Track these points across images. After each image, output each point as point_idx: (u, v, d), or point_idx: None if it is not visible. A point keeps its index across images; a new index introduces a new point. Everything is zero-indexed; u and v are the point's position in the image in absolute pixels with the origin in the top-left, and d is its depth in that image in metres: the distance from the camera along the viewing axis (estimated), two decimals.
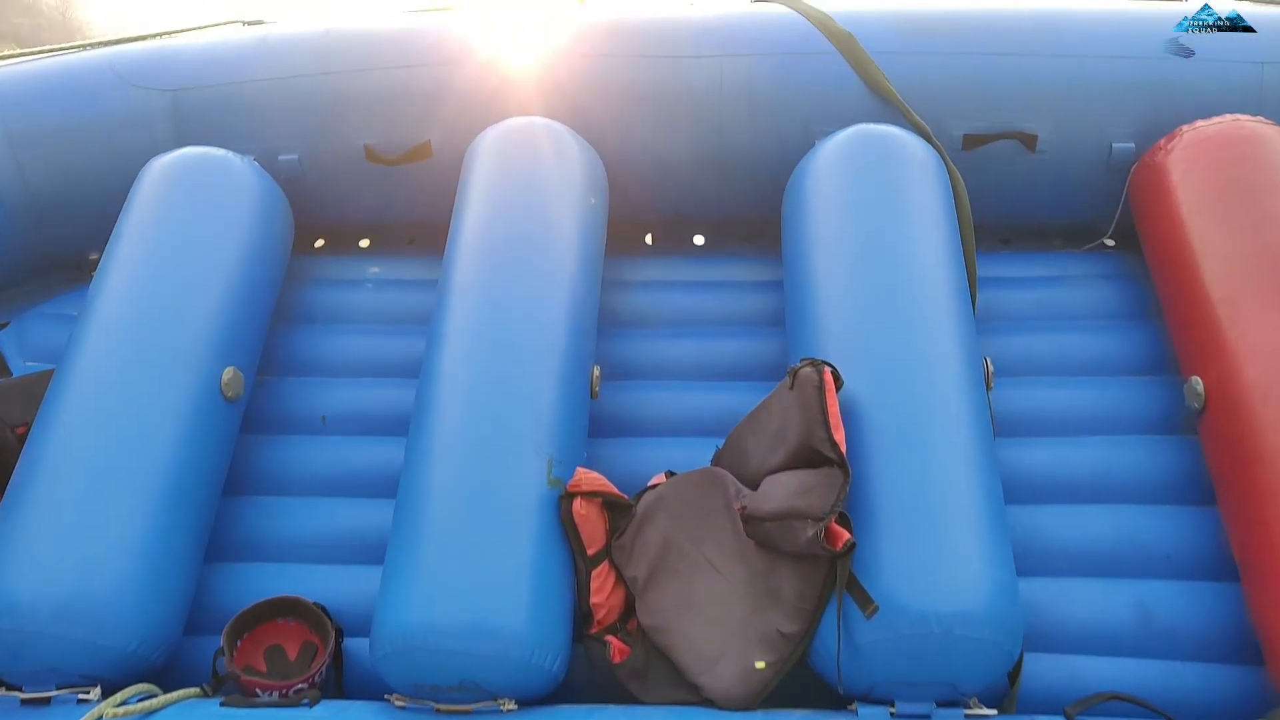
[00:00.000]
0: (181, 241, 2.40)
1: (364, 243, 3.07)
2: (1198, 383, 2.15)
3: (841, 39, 2.62)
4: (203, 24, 3.03)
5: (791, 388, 1.95)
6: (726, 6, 2.85)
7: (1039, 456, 2.29)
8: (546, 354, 2.17)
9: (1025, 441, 2.32)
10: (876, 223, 2.29)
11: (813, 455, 1.86)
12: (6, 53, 2.94)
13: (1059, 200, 2.75)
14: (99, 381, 2.16)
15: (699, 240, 3.00)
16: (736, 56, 2.65)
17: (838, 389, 1.94)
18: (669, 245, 2.98)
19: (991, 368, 2.21)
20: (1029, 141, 2.62)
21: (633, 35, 2.73)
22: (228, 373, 2.27)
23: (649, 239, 3.02)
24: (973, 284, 2.40)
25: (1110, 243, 2.83)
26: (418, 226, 2.97)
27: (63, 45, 2.94)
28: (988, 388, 2.15)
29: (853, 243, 2.28)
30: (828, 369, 1.94)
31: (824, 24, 2.65)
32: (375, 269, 2.91)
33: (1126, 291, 2.64)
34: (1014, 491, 2.15)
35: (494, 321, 2.22)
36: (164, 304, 2.29)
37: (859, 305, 2.17)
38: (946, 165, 2.48)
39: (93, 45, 2.91)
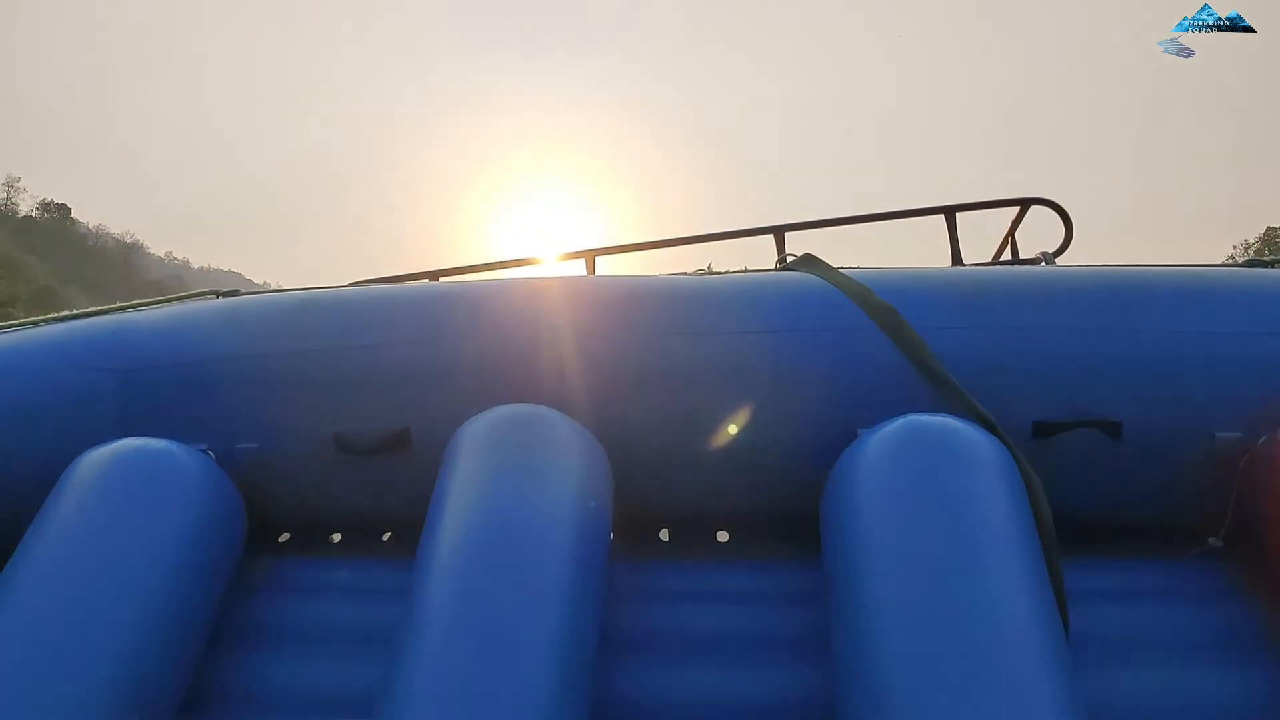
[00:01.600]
0: (96, 557, 2.01)
1: (335, 537, 2.66)
2: None
3: (883, 313, 2.27)
4: (172, 296, 2.75)
5: None
6: (749, 275, 2.55)
7: None
8: (526, 712, 1.70)
9: None
10: (940, 538, 1.87)
11: None
12: None
13: (1150, 496, 2.32)
14: None
15: (723, 538, 2.56)
16: (761, 333, 2.31)
17: None
18: (687, 543, 2.55)
19: None
20: (1112, 430, 2.21)
21: (641, 309, 2.40)
22: None
23: (664, 534, 2.58)
24: (1063, 610, 1.93)
25: (1218, 543, 2.36)
26: (399, 520, 2.57)
27: (14, 322, 2.66)
28: None
29: (912, 564, 1.85)
30: None
31: (861, 296, 2.31)
32: (343, 573, 2.48)
33: (1249, 615, 2.15)
34: None
35: (461, 662, 1.77)
36: (58, 637, 1.87)
37: (927, 650, 1.71)
38: (1018, 462, 2.07)
39: (49, 321, 2.64)
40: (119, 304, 2.69)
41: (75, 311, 2.66)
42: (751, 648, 2.19)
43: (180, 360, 2.43)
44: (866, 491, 2.03)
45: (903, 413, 2.12)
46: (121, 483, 2.13)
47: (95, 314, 2.66)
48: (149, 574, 2.02)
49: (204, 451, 2.32)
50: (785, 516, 2.42)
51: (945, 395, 2.19)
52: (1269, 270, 2.46)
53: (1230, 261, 2.63)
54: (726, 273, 2.75)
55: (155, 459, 2.21)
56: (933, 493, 1.95)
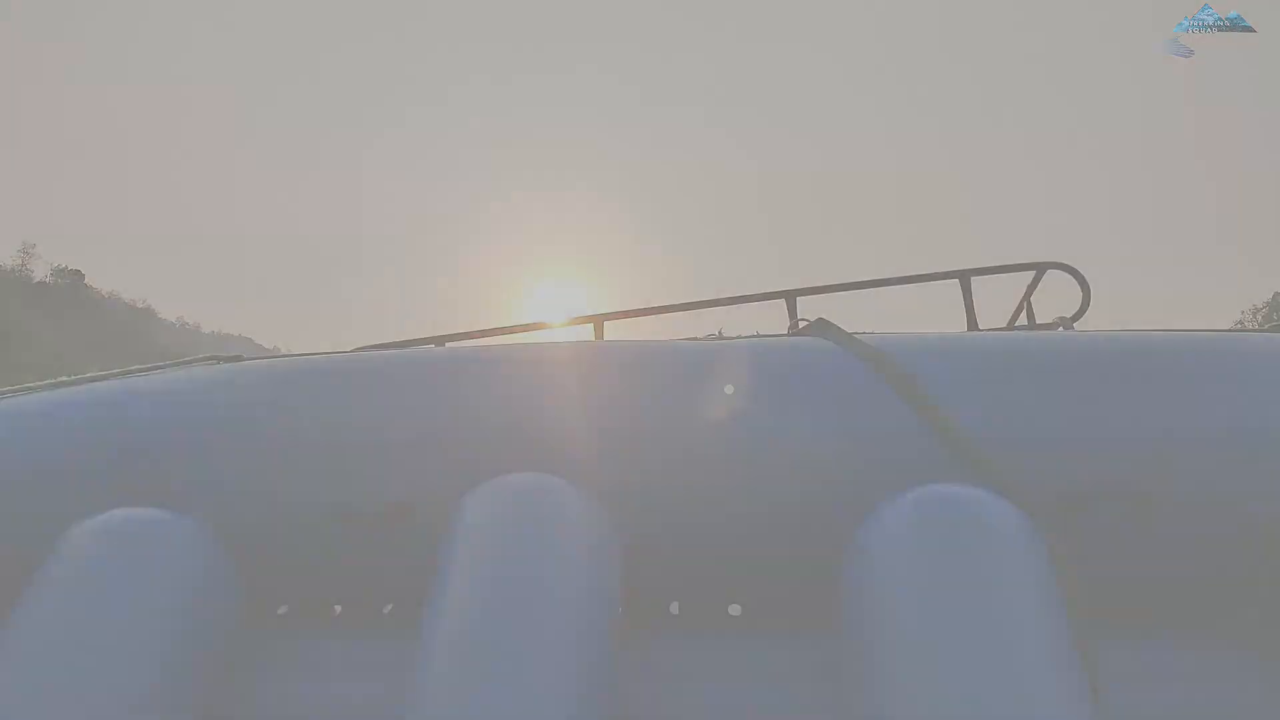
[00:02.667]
0: (84, 631, 1.94)
1: (336, 609, 2.57)
2: None
3: (901, 380, 2.20)
4: (173, 361, 2.70)
5: None
6: (761, 340, 2.49)
7: None
8: None
9: None
10: (964, 613, 1.79)
11: None
12: None
13: (1183, 571, 2.22)
14: None
15: (735, 611, 2.46)
16: (775, 400, 2.24)
17: None
18: (699, 617, 2.45)
19: None
20: (1144, 503, 2.12)
21: (650, 375, 2.34)
22: None
23: (674, 608, 2.49)
24: (1094, 690, 1.83)
25: (1255, 619, 2.26)
26: (402, 592, 2.48)
27: (10, 388, 2.61)
28: None
29: (935, 640, 1.77)
30: None
31: (878, 362, 2.25)
32: (344, 647, 2.38)
33: None
34: None
35: None
36: (42, 714, 1.79)
37: None
38: (1043, 535, 1.98)
39: (46, 386, 2.58)
40: (118, 369, 2.64)
41: (74, 377, 2.60)
42: None
43: (177, 427, 2.37)
44: (885, 564, 1.95)
45: (923, 483, 2.05)
46: (112, 554, 2.06)
47: (94, 379, 2.60)
48: (139, 648, 1.95)
49: (199, 521, 2.25)
50: (800, 589, 2.33)
51: (967, 464, 2.12)
52: None
53: (1241, 327, 2.57)
54: (738, 338, 2.69)
55: (148, 529, 2.14)
56: (955, 565, 1.88)
